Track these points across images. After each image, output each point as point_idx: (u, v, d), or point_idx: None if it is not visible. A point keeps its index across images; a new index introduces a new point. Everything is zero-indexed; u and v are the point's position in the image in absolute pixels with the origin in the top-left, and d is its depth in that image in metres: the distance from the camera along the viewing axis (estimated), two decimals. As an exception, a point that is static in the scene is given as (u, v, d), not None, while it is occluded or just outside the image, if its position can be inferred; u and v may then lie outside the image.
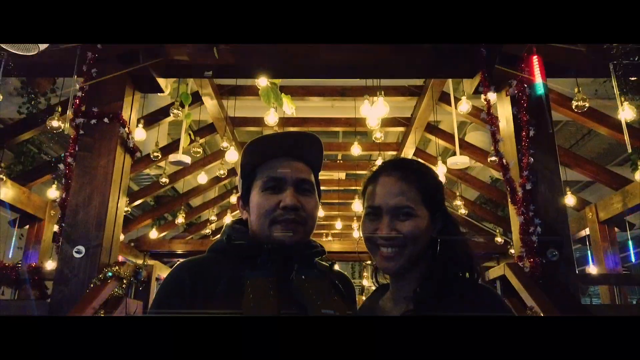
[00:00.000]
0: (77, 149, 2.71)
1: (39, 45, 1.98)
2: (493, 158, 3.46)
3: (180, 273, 1.07)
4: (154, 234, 8.75)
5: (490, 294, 1.02)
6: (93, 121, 2.76)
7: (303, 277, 1.09)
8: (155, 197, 9.08)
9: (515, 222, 2.78)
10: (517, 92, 2.84)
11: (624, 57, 2.85)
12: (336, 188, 8.44)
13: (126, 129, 2.85)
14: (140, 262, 7.28)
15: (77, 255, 2.48)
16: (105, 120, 2.79)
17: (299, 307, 1.04)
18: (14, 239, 5.89)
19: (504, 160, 2.79)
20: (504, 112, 3.07)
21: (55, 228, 5.45)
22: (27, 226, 5.62)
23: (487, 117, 2.83)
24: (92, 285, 2.35)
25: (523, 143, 2.74)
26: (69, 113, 2.69)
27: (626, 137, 3.01)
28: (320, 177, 1.27)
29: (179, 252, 8.64)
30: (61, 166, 2.63)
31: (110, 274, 2.35)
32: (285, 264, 1.09)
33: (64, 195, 2.62)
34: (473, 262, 1.03)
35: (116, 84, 2.89)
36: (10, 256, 5.74)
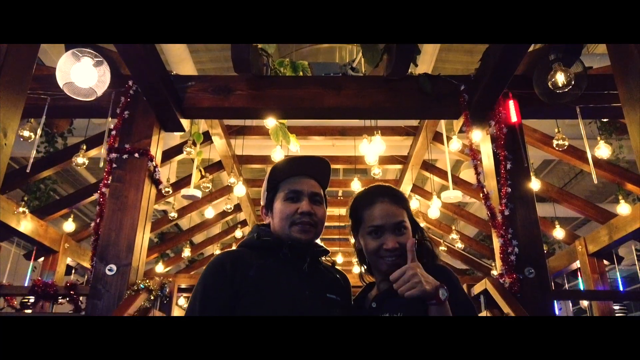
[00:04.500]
0: (110, 180, 3.07)
1: (97, 91, 2.36)
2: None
3: (222, 259, 1.40)
4: (159, 267, 8.92)
5: (445, 269, 1.39)
6: (125, 156, 3.14)
7: (313, 268, 1.44)
8: (159, 233, 9.30)
9: (496, 243, 3.10)
10: (496, 131, 3.23)
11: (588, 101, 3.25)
12: (337, 224, 8.48)
13: (153, 162, 3.23)
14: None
15: (109, 273, 2.79)
16: (136, 155, 3.17)
17: (310, 290, 1.38)
18: (29, 270, 6.16)
19: (485, 190, 3.15)
20: (485, 149, 3.46)
21: (69, 260, 5.75)
22: (42, 258, 5.82)
23: (470, 153, 3.20)
24: (126, 296, 2.65)
25: (502, 175, 3.10)
26: (103, 150, 3.07)
27: (592, 169, 3.36)
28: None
29: (184, 286, 8.78)
30: (96, 195, 2.98)
31: (142, 285, 2.66)
32: (300, 257, 1.42)
33: (98, 220, 2.95)
34: (434, 250, 1.45)
35: (145, 124, 3.29)
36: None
